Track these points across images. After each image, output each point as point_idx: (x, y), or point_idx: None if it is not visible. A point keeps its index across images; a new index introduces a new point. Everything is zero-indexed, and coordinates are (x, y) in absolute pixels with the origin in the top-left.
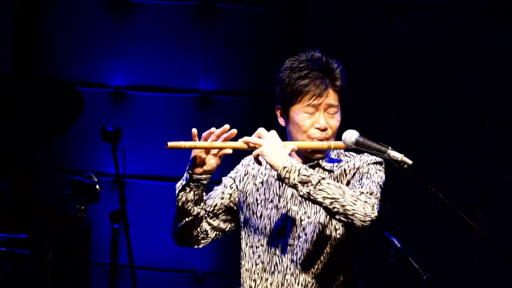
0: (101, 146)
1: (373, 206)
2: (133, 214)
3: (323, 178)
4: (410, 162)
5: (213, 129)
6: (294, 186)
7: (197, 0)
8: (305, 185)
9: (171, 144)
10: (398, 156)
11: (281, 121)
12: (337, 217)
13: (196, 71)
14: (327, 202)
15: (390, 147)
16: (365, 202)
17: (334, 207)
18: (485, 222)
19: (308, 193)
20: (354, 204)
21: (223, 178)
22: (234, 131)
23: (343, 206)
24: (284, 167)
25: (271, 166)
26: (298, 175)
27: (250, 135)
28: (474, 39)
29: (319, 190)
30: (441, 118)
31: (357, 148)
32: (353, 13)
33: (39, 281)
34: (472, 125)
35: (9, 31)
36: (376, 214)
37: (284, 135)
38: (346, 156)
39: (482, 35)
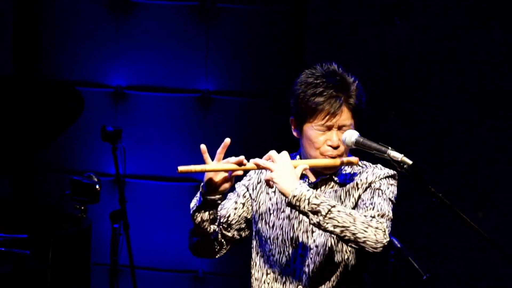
0: (101, 146)
1: (384, 231)
2: (133, 214)
3: (334, 206)
4: (410, 162)
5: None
6: (305, 214)
7: (197, 0)
8: (315, 214)
9: (181, 168)
10: (398, 156)
11: (295, 133)
12: (348, 244)
13: (196, 71)
14: (337, 230)
15: (390, 147)
16: (377, 228)
17: (344, 235)
18: (485, 222)
19: (318, 222)
20: (365, 231)
21: (236, 185)
22: (227, 140)
23: (354, 234)
24: (294, 196)
25: (282, 193)
26: (308, 204)
27: (250, 135)
28: (474, 39)
29: (329, 219)
30: (441, 118)
31: (358, 148)
32: (353, 13)
33: (39, 281)
34: (472, 125)
35: (9, 31)
36: (388, 238)
37: (298, 145)
38: (360, 166)
39: (482, 35)
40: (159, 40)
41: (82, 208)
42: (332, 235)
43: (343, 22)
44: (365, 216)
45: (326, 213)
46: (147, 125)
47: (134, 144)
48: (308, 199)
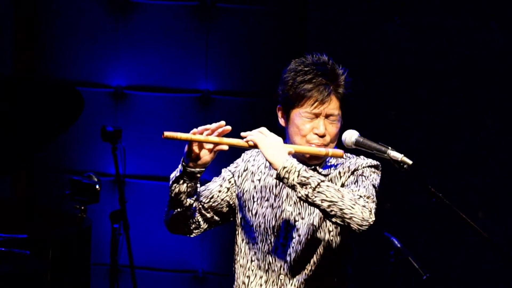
0: (101, 146)
1: (370, 211)
2: (133, 214)
3: (323, 181)
4: (410, 162)
5: (208, 125)
6: (293, 187)
7: (197, 0)
8: (304, 187)
9: (167, 133)
10: (398, 156)
11: (282, 121)
12: (333, 220)
13: (196, 71)
14: (325, 204)
15: (390, 147)
16: (363, 206)
17: (331, 210)
18: (485, 222)
19: (307, 195)
20: (352, 208)
21: (222, 170)
22: (229, 127)
23: (341, 209)
24: (284, 167)
25: (270, 164)
26: (298, 176)
27: None
28: (474, 38)
29: (318, 192)
30: (441, 118)
31: (356, 149)
32: (353, 13)
33: (39, 281)
34: (472, 125)
35: (9, 31)
36: (374, 218)
37: (284, 135)
38: (344, 157)
39: (482, 35)
40: (159, 40)
41: (82, 208)
42: (314, 224)
43: (343, 22)
44: (352, 194)
45: (316, 186)
46: (147, 125)
47: (134, 144)
48: (299, 171)
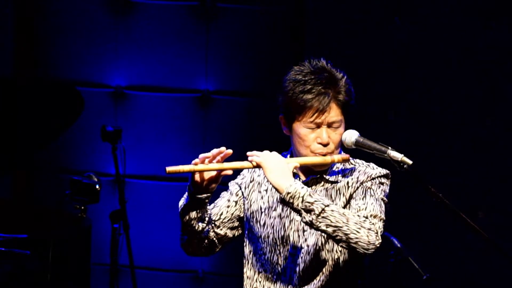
0: (101, 146)
1: (377, 233)
2: (133, 214)
3: (327, 205)
4: (410, 162)
5: (209, 153)
6: (298, 212)
7: (197, 0)
8: (308, 213)
9: (169, 169)
10: (398, 156)
11: (285, 130)
12: (340, 244)
13: (196, 71)
14: (329, 230)
15: (390, 147)
16: (369, 229)
17: (337, 235)
18: (485, 222)
19: (311, 221)
20: (358, 232)
21: (229, 184)
22: (230, 151)
23: (346, 234)
24: (288, 193)
25: (275, 189)
26: (302, 201)
27: (250, 135)
28: (474, 39)
29: (322, 218)
30: (441, 118)
31: (358, 148)
32: (353, 13)
33: (39, 281)
34: (472, 125)
35: (9, 31)
36: (380, 240)
37: (289, 143)
38: (352, 164)
39: (482, 35)
40: (159, 40)
41: (82, 208)
42: (323, 235)
43: (343, 22)
44: (358, 216)
45: (320, 212)
46: (147, 125)
47: (134, 144)
48: (302, 196)
